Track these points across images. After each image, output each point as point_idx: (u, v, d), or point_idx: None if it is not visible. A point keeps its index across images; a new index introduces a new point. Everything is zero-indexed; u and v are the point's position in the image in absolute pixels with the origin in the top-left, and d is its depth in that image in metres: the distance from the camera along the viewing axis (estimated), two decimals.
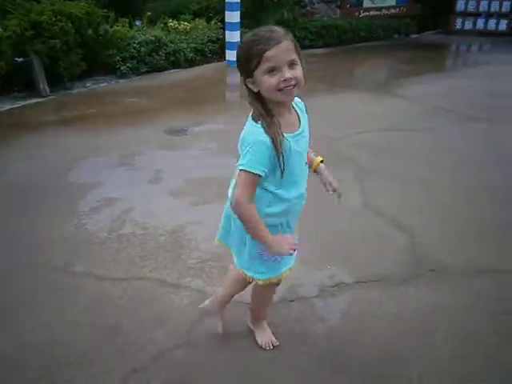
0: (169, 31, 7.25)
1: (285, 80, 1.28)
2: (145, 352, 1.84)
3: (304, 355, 1.84)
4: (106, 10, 6.21)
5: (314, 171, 1.65)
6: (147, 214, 2.81)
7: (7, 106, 4.95)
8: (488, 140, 4.21)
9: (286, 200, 1.47)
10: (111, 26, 6.40)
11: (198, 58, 6.96)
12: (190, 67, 6.80)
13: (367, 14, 9.40)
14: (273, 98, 1.33)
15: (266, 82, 1.29)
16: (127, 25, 6.76)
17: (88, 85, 5.80)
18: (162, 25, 7.43)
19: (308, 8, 9.14)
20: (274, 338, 1.88)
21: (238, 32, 6.85)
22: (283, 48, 1.27)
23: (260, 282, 1.61)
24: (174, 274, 2.30)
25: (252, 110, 1.38)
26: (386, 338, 1.93)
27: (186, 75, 6.48)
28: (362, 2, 9.65)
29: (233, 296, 1.89)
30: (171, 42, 6.68)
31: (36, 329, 1.95)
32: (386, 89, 5.87)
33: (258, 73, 1.29)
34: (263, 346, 1.86)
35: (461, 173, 3.45)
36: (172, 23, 7.48)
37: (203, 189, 3.14)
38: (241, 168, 1.35)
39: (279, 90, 1.29)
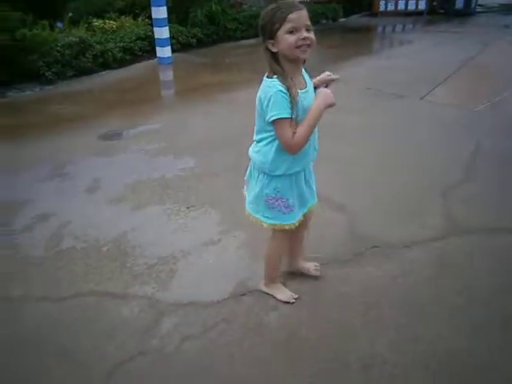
0: (94, 31, 6.97)
1: (303, 38, 1.53)
2: (97, 371, 1.77)
3: (259, 347, 1.85)
4: (21, 13, 5.85)
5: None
6: (87, 225, 2.70)
7: None
8: (414, 115, 4.42)
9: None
10: (30, 30, 6.04)
11: (127, 58, 6.74)
12: (121, 67, 6.57)
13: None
14: (291, 54, 1.57)
15: (288, 39, 1.53)
16: (48, 27, 6.41)
17: (9, 94, 5.44)
18: (86, 25, 7.12)
19: None
20: (292, 293, 2.07)
21: (167, 28, 6.71)
22: (303, 14, 1.54)
23: (264, 225, 1.87)
24: (121, 285, 2.23)
25: (268, 68, 1.63)
26: (337, 317, 1.98)
27: (116, 76, 6.26)
28: None
29: (277, 260, 2.06)
30: (97, 43, 6.41)
31: None
32: (316, 74, 5.98)
33: (280, 33, 1.54)
34: (286, 300, 2.04)
35: (389, 148, 3.60)
36: (97, 23, 7.20)
37: (143, 192, 3.06)
38: (272, 119, 1.58)
39: (297, 47, 1.54)
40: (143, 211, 2.84)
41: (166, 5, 6.57)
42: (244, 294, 2.12)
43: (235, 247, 2.46)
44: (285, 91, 1.56)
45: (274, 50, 1.58)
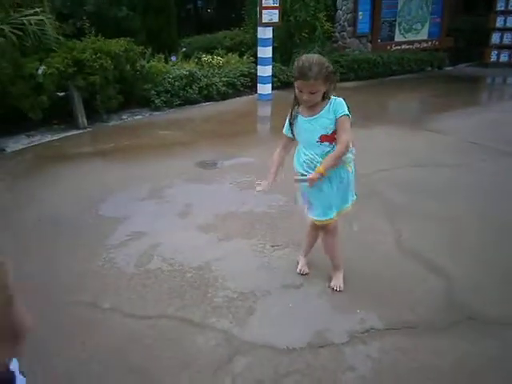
0: (202, 65, 7.48)
1: (304, 100, 2.08)
2: None
3: None
4: (143, 47, 6.50)
5: None
6: (174, 249, 2.81)
7: (47, 138, 5.18)
8: None
9: (302, 154, 2.23)
10: (148, 62, 6.67)
11: (230, 92, 7.11)
12: (222, 100, 6.94)
13: (399, 47, 9.43)
14: (299, 100, 2.13)
15: (297, 93, 2.10)
16: (163, 60, 7.03)
17: (124, 117, 6.01)
18: (196, 59, 7.68)
19: (339, 43, 9.25)
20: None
21: (270, 66, 6.98)
22: (308, 84, 2.02)
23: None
24: (200, 314, 2.26)
25: None
26: None
27: (217, 108, 6.62)
28: (393, 37, 9.71)
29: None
30: (204, 77, 6.87)
31: (59, 365, 1.94)
32: (418, 123, 5.78)
33: (295, 84, 2.08)
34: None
35: (493, 212, 3.29)
36: (206, 58, 7.72)
37: (231, 224, 3.12)
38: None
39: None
40: (229, 243, 2.89)
41: (272, 45, 6.87)
42: (322, 347, 2.02)
43: (316, 294, 2.38)
44: (289, 115, 2.23)
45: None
